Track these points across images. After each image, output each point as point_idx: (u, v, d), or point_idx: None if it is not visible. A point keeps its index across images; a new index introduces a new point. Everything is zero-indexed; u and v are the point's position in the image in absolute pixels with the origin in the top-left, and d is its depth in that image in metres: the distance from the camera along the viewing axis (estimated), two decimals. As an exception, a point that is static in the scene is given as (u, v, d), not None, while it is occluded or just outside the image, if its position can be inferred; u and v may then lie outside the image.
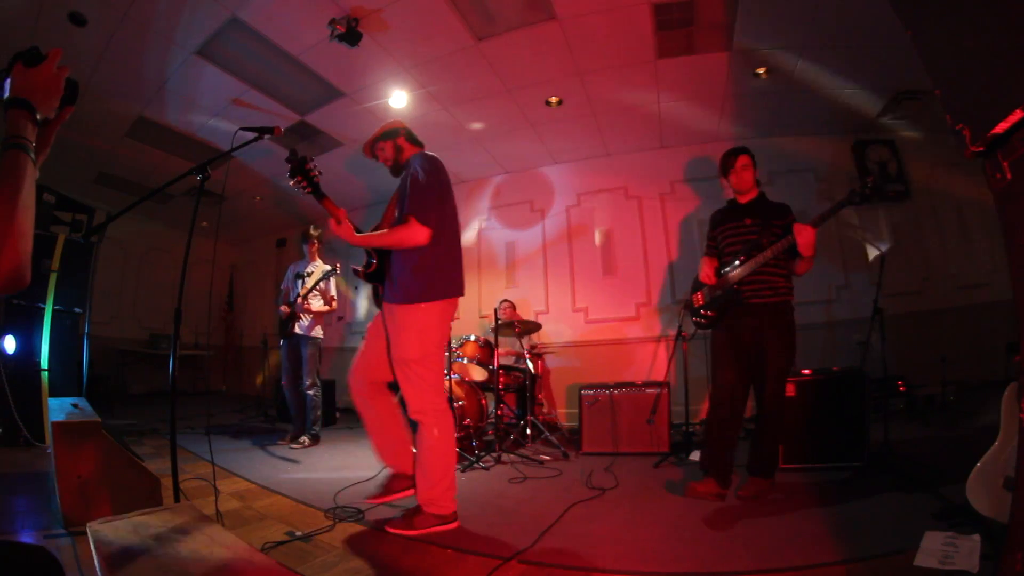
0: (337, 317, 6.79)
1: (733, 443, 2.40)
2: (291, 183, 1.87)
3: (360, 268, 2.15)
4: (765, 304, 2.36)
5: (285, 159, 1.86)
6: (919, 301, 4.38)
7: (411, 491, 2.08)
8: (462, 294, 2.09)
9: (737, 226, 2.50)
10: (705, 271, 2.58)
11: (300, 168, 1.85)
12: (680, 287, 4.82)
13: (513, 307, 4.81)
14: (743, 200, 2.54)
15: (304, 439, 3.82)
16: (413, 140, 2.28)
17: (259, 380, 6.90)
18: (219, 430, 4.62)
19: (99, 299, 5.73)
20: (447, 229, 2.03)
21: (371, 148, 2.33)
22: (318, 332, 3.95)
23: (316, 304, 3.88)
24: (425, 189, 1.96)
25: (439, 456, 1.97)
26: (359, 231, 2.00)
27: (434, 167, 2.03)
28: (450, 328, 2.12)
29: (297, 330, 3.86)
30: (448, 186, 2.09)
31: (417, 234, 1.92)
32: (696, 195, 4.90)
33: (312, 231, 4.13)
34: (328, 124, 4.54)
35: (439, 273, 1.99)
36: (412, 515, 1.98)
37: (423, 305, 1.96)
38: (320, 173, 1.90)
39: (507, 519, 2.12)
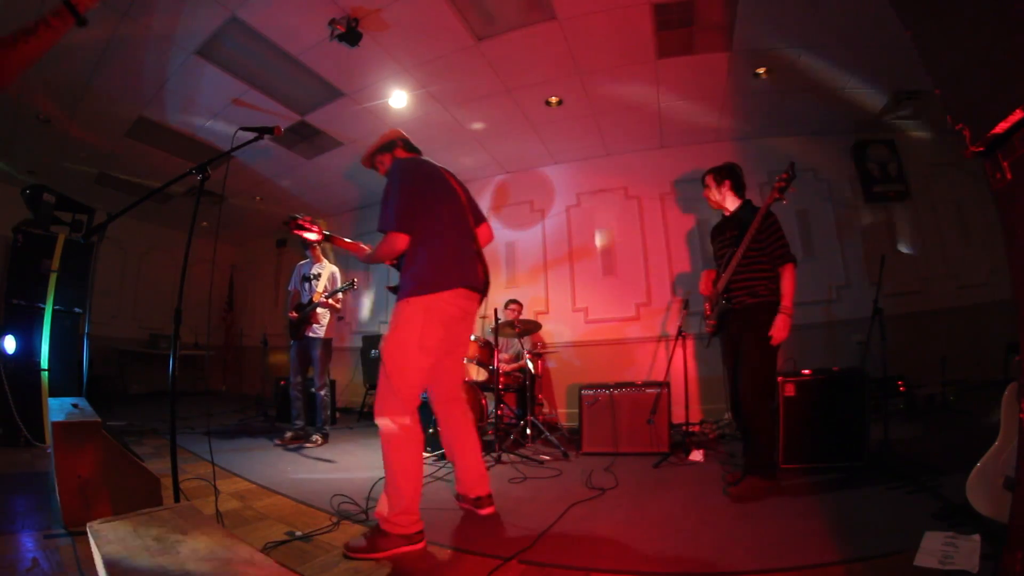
0: (338, 317, 6.79)
1: None
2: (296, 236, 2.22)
3: (391, 287, 2.18)
4: (744, 308, 2.47)
5: (284, 223, 2.17)
6: (919, 301, 4.38)
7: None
8: (459, 285, 1.94)
9: (722, 239, 2.68)
10: (702, 283, 2.77)
11: (294, 226, 2.19)
12: (680, 287, 4.82)
13: (520, 308, 4.76)
14: (727, 213, 2.69)
15: (316, 437, 3.87)
16: (409, 148, 2.30)
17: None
18: (219, 430, 4.62)
19: (99, 299, 5.72)
20: (433, 224, 1.97)
21: (371, 160, 2.34)
22: (329, 333, 4.03)
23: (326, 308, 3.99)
24: (390, 199, 1.96)
25: (391, 473, 1.84)
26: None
27: (404, 173, 2.03)
28: (447, 330, 1.95)
29: (309, 333, 3.92)
30: (427, 184, 2.05)
31: (395, 243, 1.93)
32: (696, 195, 4.85)
33: None
34: (328, 124, 4.54)
35: (426, 268, 1.92)
36: (375, 536, 1.79)
37: (407, 300, 1.91)
38: (312, 220, 2.20)
39: (507, 519, 2.12)
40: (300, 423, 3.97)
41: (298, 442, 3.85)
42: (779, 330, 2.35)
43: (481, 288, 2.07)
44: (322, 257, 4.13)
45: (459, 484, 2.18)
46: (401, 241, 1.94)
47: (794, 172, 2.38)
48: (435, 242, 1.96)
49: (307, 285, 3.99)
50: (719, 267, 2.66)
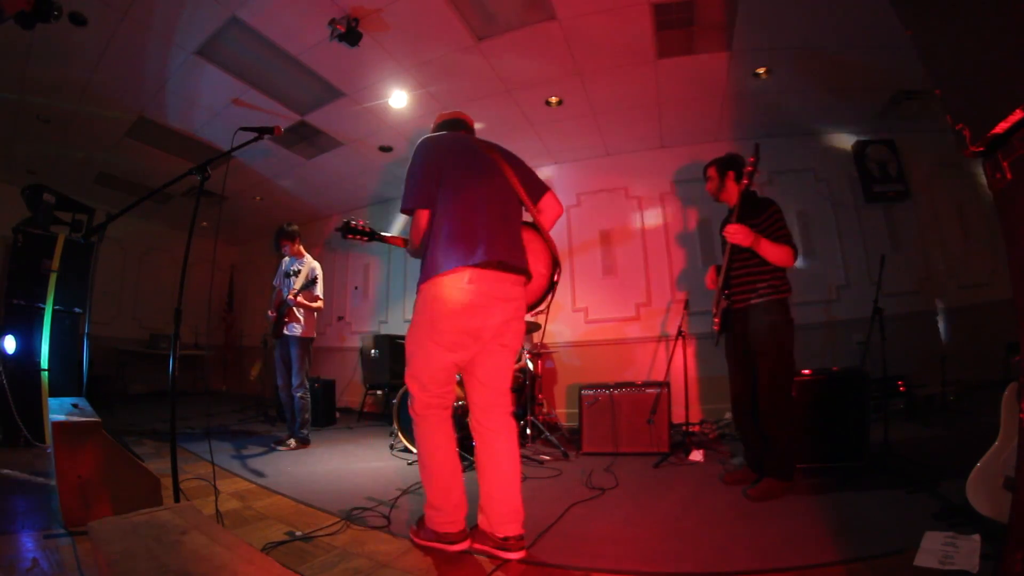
0: (337, 317, 6.80)
1: (756, 440, 2.46)
2: (350, 240, 2.09)
3: None
4: (749, 307, 2.42)
5: (336, 229, 2.12)
6: (919, 301, 4.38)
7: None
8: (465, 265, 1.69)
9: (724, 232, 2.58)
10: (708, 278, 2.71)
11: (347, 230, 2.06)
12: (680, 287, 4.82)
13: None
14: (730, 205, 2.61)
15: (291, 442, 3.75)
16: (441, 128, 2.08)
17: (254, 372, 6.87)
18: (219, 430, 4.62)
19: (99, 299, 5.72)
20: (447, 199, 1.78)
21: None
22: (308, 332, 3.86)
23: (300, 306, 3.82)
24: (407, 180, 1.83)
25: (423, 464, 1.79)
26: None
27: (419, 148, 1.88)
28: (464, 319, 1.70)
29: (286, 331, 3.78)
30: (447, 156, 1.84)
31: (418, 220, 1.80)
32: (697, 195, 4.89)
33: (286, 227, 3.95)
34: (328, 124, 4.54)
35: (437, 249, 1.73)
36: (420, 521, 1.86)
37: (418, 289, 1.77)
38: (364, 223, 2.10)
39: (507, 519, 2.11)
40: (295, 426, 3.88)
41: (284, 447, 3.73)
42: (734, 231, 2.31)
43: (509, 265, 1.75)
44: (304, 252, 3.99)
45: (481, 516, 1.77)
46: (423, 217, 1.79)
47: (759, 155, 2.35)
48: (443, 220, 1.76)
49: (288, 281, 3.86)
50: None
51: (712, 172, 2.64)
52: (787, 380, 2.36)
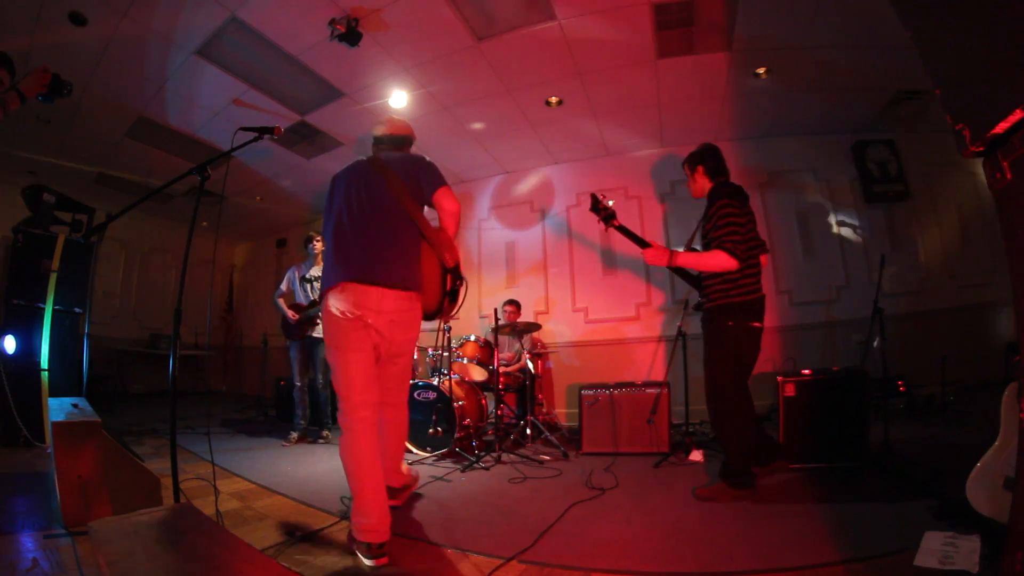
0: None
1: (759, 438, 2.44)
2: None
3: None
4: (706, 311, 2.43)
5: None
6: (919, 301, 4.38)
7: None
8: (338, 281, 1.85)
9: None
10: None
11: (307, 241, 2.36)
12: (680, 287, 4.82)
13: (518, 309, 4.75)
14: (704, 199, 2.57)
15: (326, 433, 4.00)
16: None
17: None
18: (219, 430, 4.62)
19: (99, 299, 5.73)
20: (331, 227, 1.98)
21: None
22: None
23: None
24: None
25: (353, 474, 1.79)
26: None
27: None
28: (348, 312, 1.83)
29: (313, 333, 3.94)
30: (332, 192, 2.05)
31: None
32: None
33: (316, 234, 4.11)
34: (328, 124, 4.54)
35: (323, 270, 2.00)
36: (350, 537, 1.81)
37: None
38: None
39: (507, 519, 2.12)
40: (304, 423, 4.00)
41: (323, 439, 3.96)
42: (647, 256, 2.41)
43: (373, 280, 1.84)
44: (322, 260, 4.12)
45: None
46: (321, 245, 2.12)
47: (595, 199, 2.61)
48: (327, 245, 2.00)
49: (308, 287, 4.02)
50: None
51: (686, 168, 2.58)
52: (727, 387, 2.27)
